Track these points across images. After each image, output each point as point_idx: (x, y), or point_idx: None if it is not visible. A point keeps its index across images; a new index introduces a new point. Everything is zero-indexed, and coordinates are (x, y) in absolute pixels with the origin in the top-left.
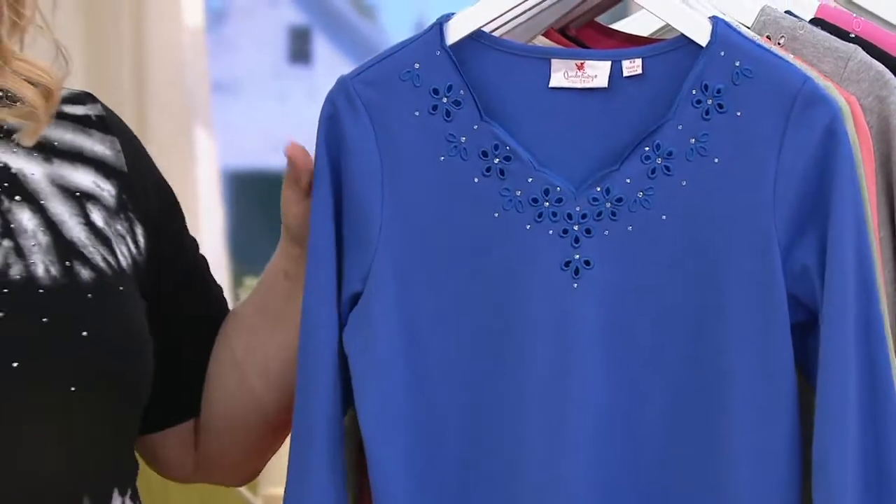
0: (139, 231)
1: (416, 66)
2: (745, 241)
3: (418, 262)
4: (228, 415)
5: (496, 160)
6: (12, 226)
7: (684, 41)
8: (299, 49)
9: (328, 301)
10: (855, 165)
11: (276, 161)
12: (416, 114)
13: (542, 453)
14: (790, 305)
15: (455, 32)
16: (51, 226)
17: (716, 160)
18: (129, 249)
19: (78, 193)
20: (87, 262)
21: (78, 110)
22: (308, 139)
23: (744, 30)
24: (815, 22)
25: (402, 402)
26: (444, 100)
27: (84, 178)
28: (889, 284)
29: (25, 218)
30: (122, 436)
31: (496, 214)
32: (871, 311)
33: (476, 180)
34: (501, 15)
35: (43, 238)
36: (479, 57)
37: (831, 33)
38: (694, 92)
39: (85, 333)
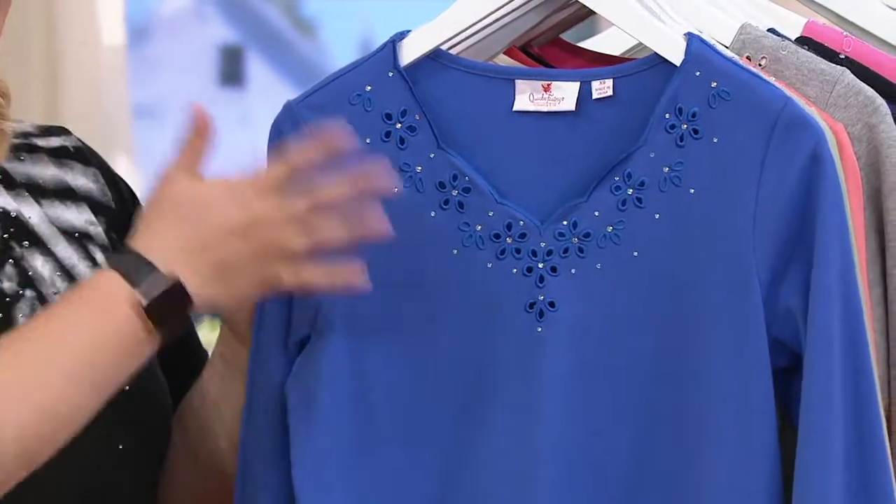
0: None
1: (368, 88)
2: (723, 280)
3: (369, 304)
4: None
5: (454, 192)
6: (30, 273)
7: (657, 60)
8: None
9: (276, 349)
10: (842, 194)
11: None
12: (367, 141)
13: None
14: (772, 349)
15: (410, 51)
16: (65, 271)
17: (691, 190)
18: None
19: (77, 234)
20: None
21: (53, 142)
22: (240, 168)
23: (721, 49)
24: (802, 41)
25: (345, 460)
26: (398, 125)
27: (77, 218)
28: (877, 334)
29: (39, 264)
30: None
31: (455, 251)
32: (859, 357)
33: (433, 214)
34: (461, 32)
35: (62, 285)
36: (435, 78)
37: (819, 54)
38: (667, 116)
39: (126, 386)
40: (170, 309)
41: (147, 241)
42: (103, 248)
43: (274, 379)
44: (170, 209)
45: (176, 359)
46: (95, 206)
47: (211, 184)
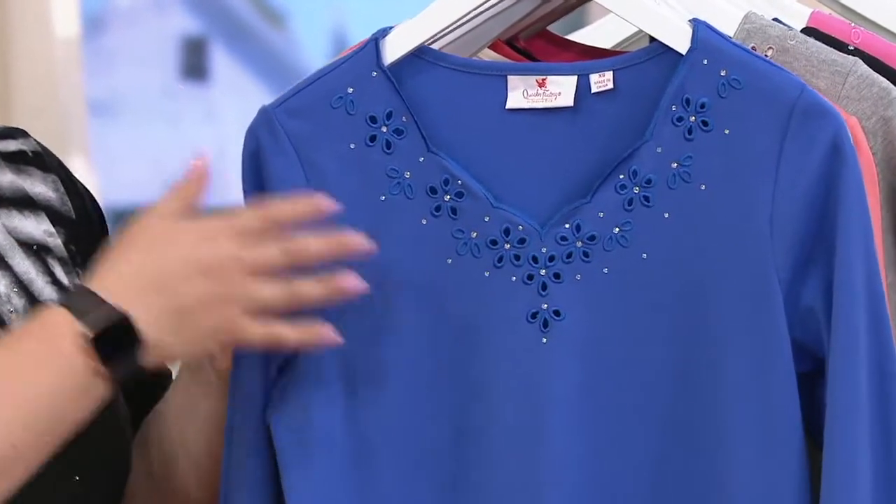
0: None
1: (350, 90)
2: (740, 281)
3: (359, 320)
4: None
5: (447, 197)
6: None
7: (661, 49)
8: (193, 63)
9: (258, 371)
10: (864, 186)
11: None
12: (352, 146)
13: None
14: (794, 354)
15: (393, 49)
16: (22, 287)
17: (702, 187)
18: None
19: (35, 246)
20: None
21: (10, 146)
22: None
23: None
24: (808, 32)
25: (341, 489)
26: (384, 129)
27: (35, 228)
28: None
29: None
30: None
31: (449, 261)
32: (887, 360)
33: (424, 222)
34: (448, 27)
35: (18, 302)
36: (422, 76)
37: (827, 45)
38: (674, 108)
39: None
40: (118, 346)
41: (102, 276)
42: (62, 262)
43: (256, 402)
44: (134, 245)
45: (141, 380)
46: (55, 217)
47: (183, 224)
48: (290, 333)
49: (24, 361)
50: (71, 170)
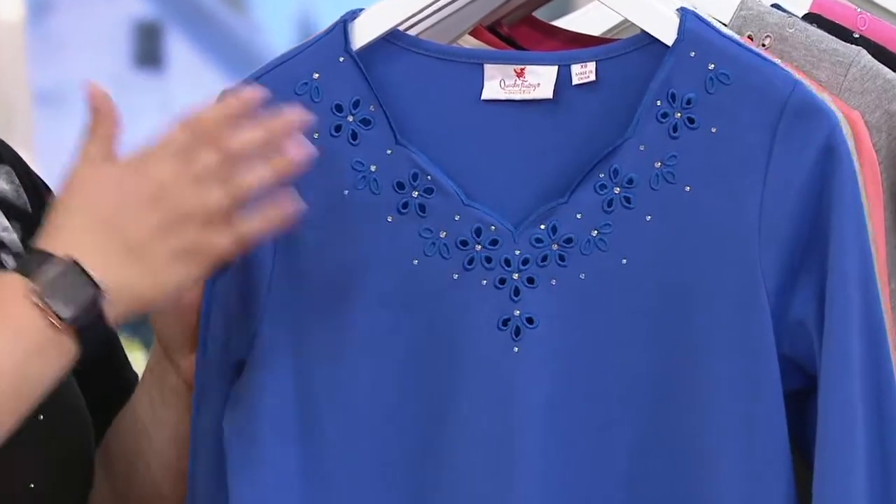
0: None
1: (315, 76)
2: (725, 290)
3: (318, 323)
4: None
5: (414, 193)
6: None
7: (646, 39)
8: (147, 49)
9: (218, 375)
10: (859, 190)
11: None
12: (315, 136)
13: None
14: (783, 369)
15: (363, 33)
16: None
17: (687, 188)
18: None
19: None
20: None
21: None
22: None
23: (719, 27)
24: (811, 18)
25: (287, 498)
26: (350, 118)
27: None
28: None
29: None
30: None
31: (416, 262)
32: (883, 376)
33: (390, 219)
34: (420, 11)
35: None
36: (392, 63)
37: (831, 32)
38: (659, 103)
39: (41, 417)
40: (73, 298)
41: (47, 234)
42: (17, 257)
43: (219, 407)
44: (69, 197)
45: (102, 386)
46: (9, 210)
47: (115, 163)
48: (255, 224)
49: None
50: None
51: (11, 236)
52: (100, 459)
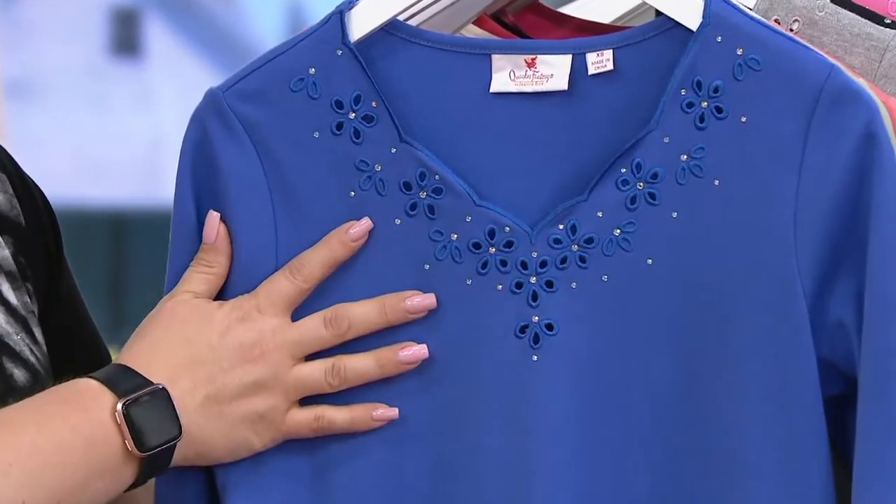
0: (34, 305)
1: (312, 70)
2: (758, 291)
3: None
4: None
5: (423, 194)
6: None
7: (667, 24)
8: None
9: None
10: None
11: (93, 189)
12: (316, 135)
13: None
14: (822, 374)
15: (361, 24)
16: None
17: (716, 182)
18: (39, 329)
19: None
20: (16, 357)
21: None
22: (138, 160)
23: (746, 10)
24: (839, 3)
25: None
26: (351, 115)
27: None
28: None
29: None
30: None
31: (426, 266)
32: None
33: (398, 222)
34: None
35: None
36: (394, 55)
37: (860, 16)
38: (683, 92)
39: None
40: (156, 429)
41: (139, 353)
42: (9, 277)
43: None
44: (164, 326)
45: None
46: (1, 223)
47: (223, 306)
48: (340, 417)
49: (48, 420)
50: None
51: (3, 252)
52: None
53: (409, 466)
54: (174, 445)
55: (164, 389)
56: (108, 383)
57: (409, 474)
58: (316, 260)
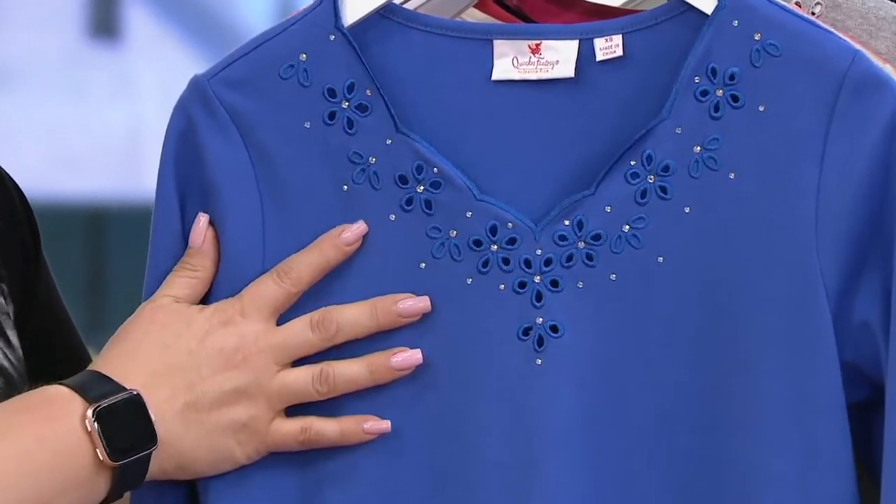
0: (9, 306)
1: (302, 56)
2: (777, 291)
3: None
4: None
5: (419, 188)
6: None
7: (681, 7)
8: (102, 18)
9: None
10: None
11: (69, 182)
12: (307, 125)
13: None
14: (847, 379)
15: (355, 7)
16: None
17: (731, 176)
18: (15, 333)
19: None
20: None
21: None
22: (117, 151)
23: None
24: None
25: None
26: (344, 104)
27: None
28: None
29: None
30: None
31: (423, 265)
32: None
33: (393, 217)
34: None
35: None
36: (389, 41)
37: None
38: (697, 80)
39: None
40: (129, 438)
41: (112, 359)
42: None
43: None
44: (142, 330)
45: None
46: None
47: (203, 310)
48: (329, 428)
49: (14, 428)
50: None
51: None
52: None
53: (404, 480)
54: (149, 455)
55: (137, 395)
56: (79, 389)
57: (404, 489)
58: (306, 263)
